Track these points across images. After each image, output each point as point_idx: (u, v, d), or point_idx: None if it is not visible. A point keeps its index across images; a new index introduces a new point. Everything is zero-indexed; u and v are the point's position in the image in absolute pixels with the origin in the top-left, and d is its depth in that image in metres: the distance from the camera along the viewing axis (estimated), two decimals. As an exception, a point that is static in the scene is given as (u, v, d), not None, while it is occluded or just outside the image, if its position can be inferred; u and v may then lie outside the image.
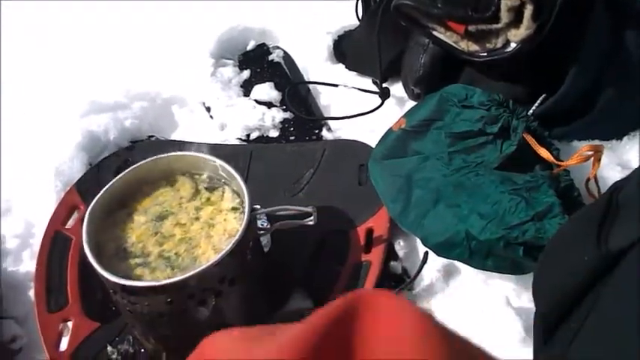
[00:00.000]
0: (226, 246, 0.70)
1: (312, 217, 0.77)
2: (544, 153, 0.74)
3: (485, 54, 0.83)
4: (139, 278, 0.72)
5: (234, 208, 0.76)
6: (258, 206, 0.76)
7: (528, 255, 0.69)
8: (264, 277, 0.81)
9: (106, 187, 0.77)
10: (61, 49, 1.22)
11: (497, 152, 0.77)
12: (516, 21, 0.79)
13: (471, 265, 0.75)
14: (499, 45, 0.81)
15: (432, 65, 0.92)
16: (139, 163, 0.79)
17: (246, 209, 0.72)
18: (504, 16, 0.78)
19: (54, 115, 1.07)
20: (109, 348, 0.80)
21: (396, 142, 0.86)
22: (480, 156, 0.78)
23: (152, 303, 0.69)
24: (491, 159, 0.77)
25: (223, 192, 0.78)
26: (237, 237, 0.70)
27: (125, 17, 1.29)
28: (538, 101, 0.83)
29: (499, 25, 0.80)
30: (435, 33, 0.87)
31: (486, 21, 0.79)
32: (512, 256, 0.71)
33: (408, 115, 0.87)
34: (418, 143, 0.84)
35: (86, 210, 0.86)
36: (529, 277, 0.77)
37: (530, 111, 0.82)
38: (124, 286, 0.68)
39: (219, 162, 0.77)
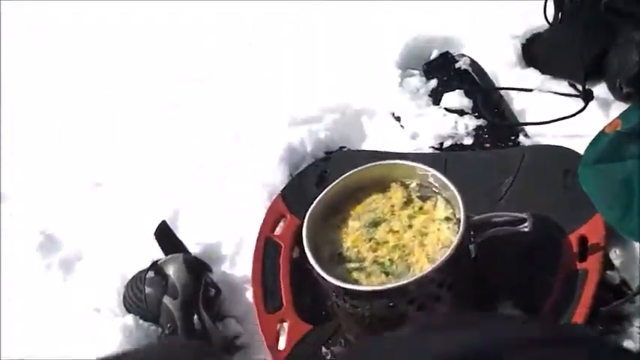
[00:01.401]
0: (442, 255, 0.70)
1: (527, 224, 0.75)
2: None
3: None
4: (355, 283, 0.74)
5: (447, 218, 0.77)
6: (471, 214, 0.76)
7: None
8: (474, 285, 0.81)
9: (322, 194, 0.81)
10: (251, 68, 1.31)
11: None
12: None
13: None
14: None
15: (648, 63, 0.87)
16: (351, 172, 0.83)
17: (462, 217, 0.73)
18: None
19: (256, 131, 1.15)
20: (324, 349, 0.84)
21: (610, 145, 0.82)
22: None
23: (374, 307, 0.72)
24: None
25: (436, 201, 0.79)
26: (455, 243, 0.70)
27: (309, 35, 1.34)
28: None
29: None
30: (652, 28, 0.82)
31: None
32: None
33: (624, 116, 0.82)
34: (637, 146, 0.79)
35: (294, 219, 0.92)
36: None
37: None
38: (347, 290, 0.72)
39: (432, 171, 0.78)
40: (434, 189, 0.80)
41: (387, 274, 0.75)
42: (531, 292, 0.81)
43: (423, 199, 0.80)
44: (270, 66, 1.30)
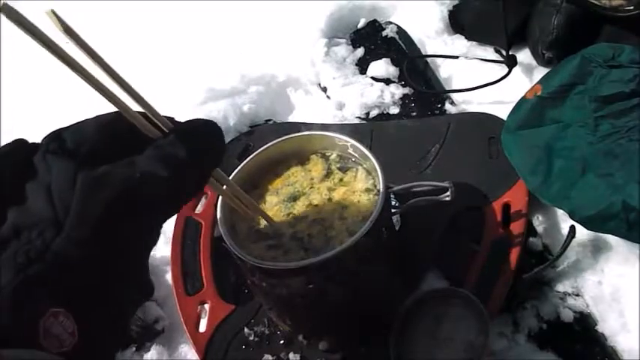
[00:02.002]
0: (363, 226, 0.67)
1: (448, 193, 0.73)
2: None
3: (633, 7, 0.76)
4: (272, 260, 0.71)
5: (367, 190, 0.74)
6: (392, 185, 0.74)
7: (700, 226, 0.63)
8: (398, 256, 0.79)
9: (237, 168, 0.77)
10: (173, 36, 1.25)
11: (653, 114, 0.70)
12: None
13: (628, 239, 0.69)
14: (648, -4, 0.74)
15: (567, 26, 0.86)
16: (269, 144, 0.79)
17: (382, 188, 0.70)
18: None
19: (175, 104, 1.09)
20: (246, 330, 0.81)
21: (531, 110, 0.81)
22: (632, 119, 0.71)
23: (291, 285, 0.69)
24: (647, 122, 0.70)
25: (356, 173, 0.76)
26: (374, 214, 0.67)
27: (233, 3, 1.29)
28: (697, 56, 0.74)
29: (649, -25, 0.72)
30: (570, -10, 0.80)
31: (634, -29, 0.72)
32: (680, 228, 0.64)
33: (543, 80, 0.81)
34: (557, 111, 0.78)
35: (215, 196, 0.87)
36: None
37: (690, 67, 0.74)
38: (262, 268, 0.68)
39: (351, 141, 0.75)
40: (354, 160, 0.77)
41: (305, 250, 0.72)
42: (457, 262, 0.80)
43: (344, 170, 0.77)
44: (191, 36, 1.24)
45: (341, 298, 0.71)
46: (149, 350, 0.82)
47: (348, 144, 0.76)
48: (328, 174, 0.77)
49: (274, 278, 0.69)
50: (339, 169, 0.77)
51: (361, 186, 0.75)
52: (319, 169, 0.78)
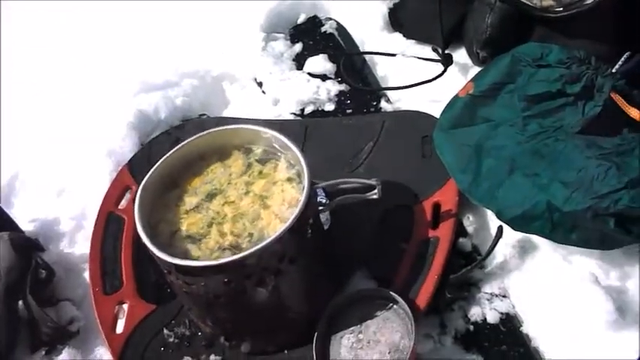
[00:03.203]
0: (290, 215, 0.65)
1: (376, 191, 0.71)
2: (635, 113, 0.66)
3: (562, 9, 0.76)
4: (196, 259, 0.68)
5: (289, 179, 0.72)
6: (317, 181, 0.71)
7: (620, 227, 0.62)
8: (325, 255, 0.77)
9: (156, 165, 0.74)
10: (108, 29, 1.20)
11: (578, 115, 0.69)
12: (597, -31, 0.71)
13: (552, 240, 0.68)
14: (578, -2, 0.74)
15: (500, 25, 0.85)
16: (189, 139, 0.76)
17: (306, 180, 0.68)
18: (584, -35, 0.71)
19: (104, 95, 1.05)
20: (166, 331, 0.77)
21: (463, 109, 0.80)
22: (559, 119, 0.71)
23: (209, 284, 0.66)
24: (572, 122, 0.70)
25: (277, 164, 0.73)
26: (299, 207, 0.65)
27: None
28: (623, 58, 0.74)
29: (578, -24, 0.72)
30: (503, -11, 0.80)
31: (564, -29, 0.72)
32: (602, 229, 0.64)
33: (475, 79, 0.80)
34: (487, 109, 0.78)
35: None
36: (617, 253, 0.71)
37: (615, 68, 0.73)
38: (178, 266, 0.65)
39: (271, 132, 0.73)
40: (278, 153, 0.74)
41: (233, 247, 0.69)
42: (385, 261, 0.78)
43: (263, 162, 0.74)
44: (125, 27, 1.19)
45: (263, 299, 0.68)
46: (60, 353, 0.78)
47: (269, 135, 0.74)
48: (247, 168, 0.75)
49: (192, 276, 0.66)
50: (258, 161, 0.75)
51: (282, 176, 0.73)
52: (239, 164, 0.75)
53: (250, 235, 0.69)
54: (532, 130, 0.72)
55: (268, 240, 0.64)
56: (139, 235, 0.69)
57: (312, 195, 0.69)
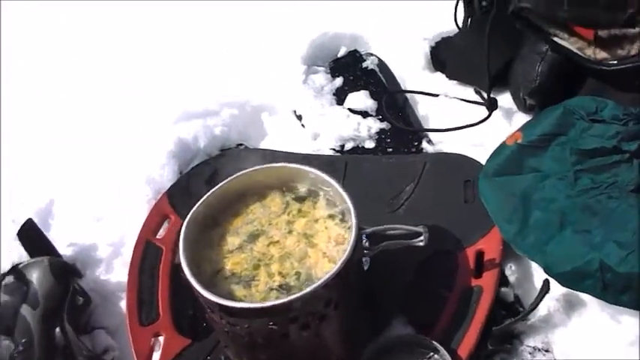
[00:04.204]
0: (337, 253, 0.65)
1: (422, 238, 0.71)
2: (694, 175, 0.66)
3: (616, 62, 0.75)
4: (240, 299, 0.68)
5: (331, 216, 0.72)
6: (364, 227, 0.71)
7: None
8: (364, 300, 0.76)
9: (199, 202, 0.74)
10: (152, 57, 1.21)
11: (633, 173, 0.69)
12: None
13: (602, 299, 0.67)
14: (633, 52, 0.73)
15: (551, 75, 0.85)
16: (230, 178, 0.76)
17: (354, 221, 0.68)
18: (642, 21, 0.71)
19: (145, 122, 1.05)
20: (201, 367, 0.76)
21: (511, 157, 0.79)
22: (613, 176, 0.70)
23: (253, 325, 0.65)
24: (627, 180, 0.69)
25: (315, 201, 0.74)
26: (348, 250, 0.65)
27: (216, 23, 1.27)
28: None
29: (635, 30, 0.72)
30: (556, 39, 0.80)
31: (621, 25, 0.71)
32: (656, 293, 0.63)
33: (524, 128, 0.80)
34: (536, 160, 0.77)
35: (179, 221, 0.84)
36: (668, 316, 0.69)
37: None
38: (223, 306, 0.64)
39: (314, 171, 0.73)
40: (316, 190, 0.75)
41: (280, 287, 0.68)
42: (425, 308, 0.77)
43: (300, 200, 0.74)
44: (168, 56, 1.20)
45: (303, 341, 0.68)
46: (95, 383, 0.77)
47: (310, 173, 0.74)
48: (286, 207, 0.75)
49: (236, 317, 0.65)
50: (295, 199, 0.75)
51: (323, 213, 0.73)
52: (277, 202, 0.75)
53: (297, 274, 0.69)
54: (583, 185, 0.71)
55: (317, 283, 0.63)
56: (183, 271, 0.68)
57: (358, 241, 0.68)
